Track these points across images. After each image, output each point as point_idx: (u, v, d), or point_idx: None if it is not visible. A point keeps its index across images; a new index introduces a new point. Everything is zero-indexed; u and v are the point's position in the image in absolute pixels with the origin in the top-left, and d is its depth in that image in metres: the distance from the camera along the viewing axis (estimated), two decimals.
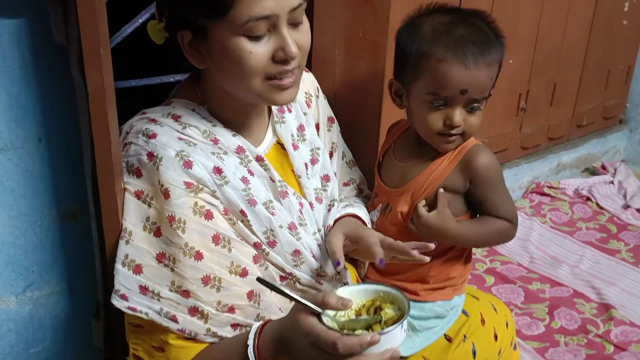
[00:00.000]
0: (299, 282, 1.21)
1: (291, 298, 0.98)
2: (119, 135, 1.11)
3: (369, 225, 1.31)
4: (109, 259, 1.11)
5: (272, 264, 1.16)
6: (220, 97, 1.13)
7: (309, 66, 1.40)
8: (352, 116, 1.47)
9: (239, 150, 1.14)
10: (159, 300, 1.07)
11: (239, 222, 1.11)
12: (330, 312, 0.98)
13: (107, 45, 1.03)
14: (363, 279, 1.42)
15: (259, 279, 1.02)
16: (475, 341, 1.36)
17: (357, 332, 0.97)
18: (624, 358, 1.86)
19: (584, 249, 2.41)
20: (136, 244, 1.07)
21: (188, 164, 1.05)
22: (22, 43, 1.12)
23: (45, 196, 1.24)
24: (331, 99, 1.43)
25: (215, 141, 1.12)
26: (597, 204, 2.74)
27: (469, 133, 1.24)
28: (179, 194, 1.05)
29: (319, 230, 1.26)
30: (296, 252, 1.17)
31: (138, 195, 1.07)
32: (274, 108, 1.25)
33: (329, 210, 1.30)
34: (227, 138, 1.13)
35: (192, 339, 1.09)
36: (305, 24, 1.08)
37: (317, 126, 1.35)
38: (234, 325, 1.11)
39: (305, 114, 1.30)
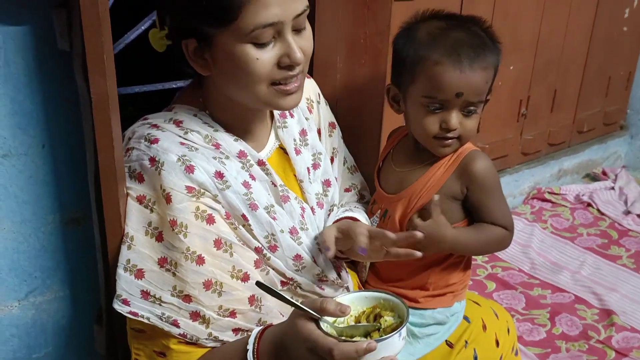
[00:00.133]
0: (300, 287, 1.21)
1: (290, 303, 0.99)
2: (122, 141, 1.12)
3: None
4: (112, 264, 1.11)
5: (273, 268, 1.17)
6: (223, 102, 1.14)
7: (310, 72, 1.41)
8: (353, 121, 1.47)
9: (241, 155, 1.14)
10: (160, 305, 1.07)
11: (241, 226, 1.12)
12: (330, 319, 0.99)
13: (111, 51, 1.04)
14: (364, 284, 1.42)
15: (258, 283, 1.02)
16: (477, 347, 1.36)
17: (355, 338, 0.97)
18: None
19: (585, 255, 2.42)
20: (138, 249, 1.07)
21: (190, 169, 1.06)
22: (26, 50, 1.12)
23: (48, 202, 1.25)
24: (332, 104, 1.44)
25: (217, 146, 1.12)
26: (598, 210, 2.75)
27: (465, 137, 1.24)
28: (180, 199, 1.05)
29: None
30: (297, 257, 1.18)
31: (140, 200, 1.08)
32: (276, 113, 1.26)
33: (329, 215, 1.31)
34: (229, 143, 1.14)
35: (194, 343, 1.10)
36: (308, 29, 1.10)
37: (319, 131, 1.36)
38: (236, 330, 1.11)
39: (307, 119, 1.31)
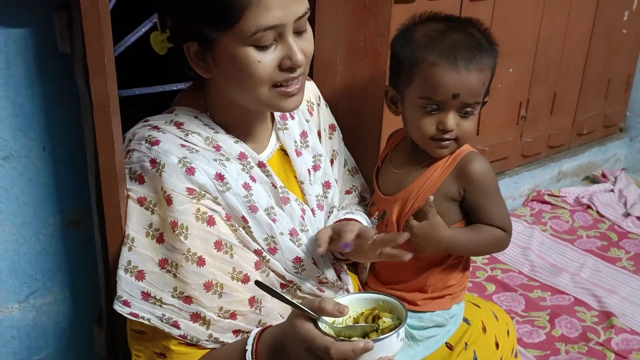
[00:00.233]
0: (300, 290, 1.21)
1: (289, 303, 0.99)
2: (122, 143, 1.12)
3: None
4: (112, 266, 1.12)
5: (273, 271, 1.17)
6: (224, 104, 1.15)
7: (310, 74, 1.41)
8: (353, 123, 1.48)
9: (241, 157, 1.15)
10: (161, 306, 1.07)
11: (240, 228, 1.12)
12: (329, 320, 0.99)
13: (112, 54, 1.05)
14: (364, 286, 1.42)
15: (257, 282, 1.03)
16: (477, 349, 1.36)
17: (353, 339, 0.97)
18: None
19: (584, 257, 2.42)
20: (139, 250, 1.08)
21: (190, 171, 1.06)
22: (27, 52, 1.13)
23: (49, 204, 1.25)
24: (332, 106, 1.45)
25: (218, 148, 1.13)
26: (598, 212, 2.75)
27: (462, 138, 1.25)
28: (181, 200, 1.05)
29: None
30: (297, 259, 1.18)
31: (141, 202, 1.08)
32: (277, 115, 1.26)
33: (328, 217, 1.31)
34: (229, 144, 1.14)
35: (194, 344, 1.10)
36: (309, 31, 1.10)
37: (319, 133, 1.36)
38: (236, 332, 1.12)
39: (308, 121, 1.32)
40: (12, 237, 1.23)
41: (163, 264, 1.07)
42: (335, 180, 1.37)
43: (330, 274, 1.26)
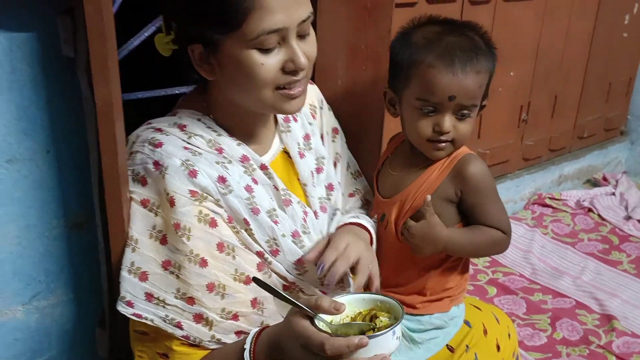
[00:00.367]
0: (302, 291, 1.22)
1: (286, 300, 1.00)
2: (125, 146, 1.13)
3: (374, 236, 1.32)
4: (115, 267, 1.12)
5: (275, 272, 1.18)
6: (227, 106, 1.16)
7: (312, 77, 1.42)
8: (354, 126, 1.49)
9: (244, 159, 1.15)
10: (164, 307, 1.08)
11: (243, 230, 1.13)
12: (327, 318, 0.99)
13: (115, 58, 1.05)
14: (364, 290, 1.43)
15: (254, 279, 1.03)
16: (478, 352, 1.36)
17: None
18: None
19: (585, 260, 2.42)
20: (142, 251, 1.08)
21: (193, 173, 1.07)
22: (32, 56, 1.14)
23: (52, 207, 1.26)
24: (334, 109, 1.45)
25: (220, 150, 1.14)
26: (599, 215, 2.76)
27: (459, 141, 1.25)
28: (184, 202, 1.06)
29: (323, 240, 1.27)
30: (299, 261, 1.19)
31: (144, 203, 1.09)
32: (280, 118, 1.27)
33: (332, 219, 1.31)
34: (232, 147, 1.15)
35: (197, 345, 1.11)
36: (312, 35, 1.11)
37: (322, 136, 1.37)
38: (238, 333, 1.12)
39: (311, 124, 1.33)
40: (16, 239, 1.24)
41: (166, 265, 1.08)
42: (338, 183, 1.37)
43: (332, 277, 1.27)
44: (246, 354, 1.05)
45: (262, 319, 1.14)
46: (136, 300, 1.08)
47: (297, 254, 1.18)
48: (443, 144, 1.24)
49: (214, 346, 1.12)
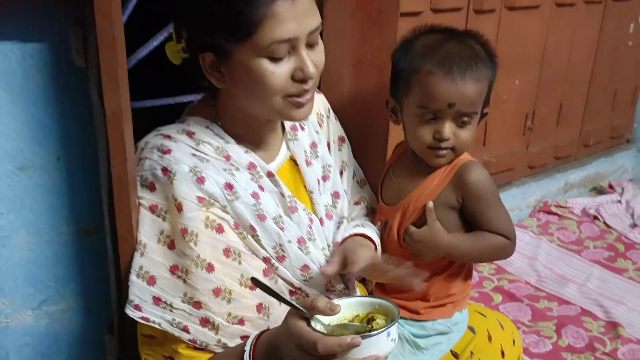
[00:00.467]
0: (308, 297, 1.23)
1: (284, 301, 1.01)
2: (134, 153, 1.15)
3: (378, 245, 1.33)
4: (124, 273, 1.14)
5: (282, 278, 1.19)
6: (236, 114, 1.17)
7: (318, 86, 1.44)
8: (359, 134, 1.50)
9: (250, 166, 1.17)
10: (171, 311, 1.10)
11: (249, 236, 1.15)
12: (325, 320, 1.00)
13: (124, 68, 1.08)
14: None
15: (252, 279, 1.04)
16: (482, 358, 1.37)
17: None
18: None
19: (591, 268, 2.42)
20: (150, 256, 1.10)
21: (201, 180, 1.09)
22: (44, 66, 1.16)
23: (62, 213, 1.28)
24: (340, 118, 1.47)
25: (228, 157, 1.15)
26: (605, 223, 2.76)
27: (460, 148, 1.27)
28: (191, 208, 1.08)
29: (329, 246, 1.28)
30: (305, 267, 1.20)
31: (152, 209, 1.11)
32: (287, 126, 1.29)
33: (338, 227, 1.33)
34: (239, 154, 1.17)
35: (202, 349, 1.12)
36: (320, 44, 1.13)
37: (328, 145, 1.39)
38: (244, 338, 1.13)
39: (318, 133, 1.35)
40: (26, 245, 1.26)
41: (174, 269, 1.10)
42: (345, 191, 1.39)
43: (338, 283, 1.28)
44: (246, 356, 1.06)
45: (268, 323, 1.15)
46: (144, 304, 1.10)
47: (302, 259, 1.20)
48: (443, 151, 1.26)
49: (220, 350, 1.13)
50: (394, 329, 0.97)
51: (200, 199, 1.09)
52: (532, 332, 2.05)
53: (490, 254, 1.31)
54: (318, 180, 1.30)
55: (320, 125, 1.38)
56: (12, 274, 1.26)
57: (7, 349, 1.32)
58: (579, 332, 2.04)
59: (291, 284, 1.21)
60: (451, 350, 1.36)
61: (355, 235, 1.30)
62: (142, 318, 1.10)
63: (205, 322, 1.10)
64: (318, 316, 0.98)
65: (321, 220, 1.28)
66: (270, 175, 1.19)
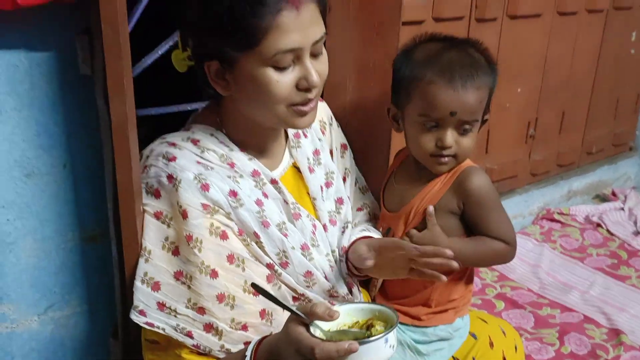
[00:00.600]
0: (308, 303, 1.24)
1: (283, 307, 1.02)
2: (139, 161, 1.16)
3: None
4: (128, 278, 1.15)
5: (285, 284, 1.20)
6: (240, 121, 1.19)
7: (322, 94, 1.45)
8: (362, 142, 1.51)
9: (254, 174, 1.19)
10: (175, 316, 1.11)
11: (253, 243, 1.16)
12: (324, 326, 1.00)
13: (130, 76, 1.09)
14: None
15: (253, 285, 1.05)
16: None
17: None
18: None
19: (594, 275, 2.42)
20: (155, 262, 1.12)
21: (205, 187, 1.10)
22: (51, 74, 1.18)
23: (68, 220, 1.29)
24: (342, 125, 1.48)
25: (232, 165, 1.17)
26: (608, 231, 2.76)
27: (461, 155, 1.28)
28: (196, 215, 1.10)
29: (332, 252, 1.30)
30: (308, 273, 1.21)
31: (157, 216, 1.12)
32: (291, 133, 1.30)
33: (343, 232, 1.34)
34: (243, 162, 1.18)
35: (206, 354, 1.13)
36: (324, 54, 1.15)
37: (331, 152, 1.40)
38: (247, 343, 1.13)
39: (320, 140, 1.36)
40: (33, 251, 1.27)
41: (178, 275, 1.11)
42: (348, 197, 1.40)
43: (342, 288, 1.29)
44: None
45: (271, 329, 1.16)
46: (149, 309, 1.11)
47: (306, 266, 1.21)
48: (446, 159, 1.27)
49: (223, 356, 1.14)
50: (392, 335, 0.98)
51: (204, 206, 1.10)
52: (534, 339, 2.05)
53: (490, 259, 1.32)
54: (321, 187, 1.31)
55: (323, 133, 1.39)
56: (19, 280, 1.28)
57: (13, 354, 1.33)
58: (582, 339, 2.04)
59: (294, 290, 1.22)
60: (453, 356, 1.37)
61: (363, 238, 1.31)
62: (147, 323, 1.11)
63: (208, 327, 1.12)
64: (317, 322, 0.99)
65: (324, 227, 1.29)
66: (273, 182, 1.21)
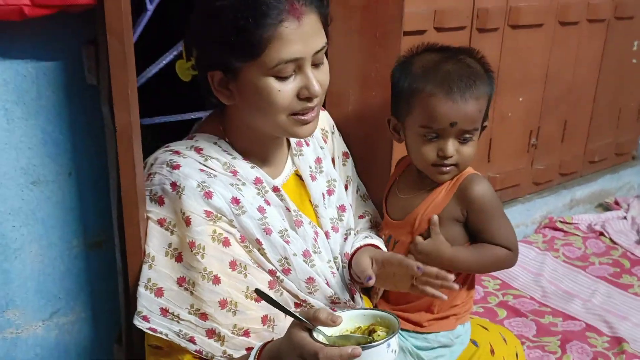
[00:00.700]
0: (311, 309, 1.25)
1: (287, 312, 1.03)
2: (143, 169, 1.18)
3: None
4: (132, 284, 1.17)
5: (287, 290, 1.22)
6: (243, 130, 1.21)
7: (324, 103, 1.47)
8: (364, 151, 1.52)
9: (257, 182, 1.20)
10: (178, 322, 1.12)
11: (255, 249, 1.17)
12: (327, 332, 1.02)
13: (134, 85, 1.11)
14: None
15: (256, 290, 1.07)
16: None
17: None
18: None
19: (597, 284, 2.42)
20: (158, 268, 1.13)
21: (208, 195, 1.12)
22: (57, 84, 1.20)
23: (73, 226, 1.31)
24: (345, 134, 1.50)
25: (235, 173, 1.19)
26: (611, 239, 2.76)
27: (463, 163, 1.29)
28: (199, 222, 1.11)
29: (335, 259, 1.31)
30: (310, 280, 1.22)
31: (161, 222, 1.14)
32: (293, 142, 1.32)
33: (345, 239, 1.35)
34: (246, 170, 1.20)
35: None
36: (326, 64, 1.17)
37: (333, 160, 1.42)
38: (249, 349, 1.15)
39: (322, 148, 1.38)
40: (38, 257, 1.29)
41: (181, 281, 1.12)
42: (350, 204, 1.42)
43: (343, 294, 1.30)
44: None
45: (273, 335, 1.17)
46: (152, 315, 1.12)
47: (307, 272, 1.22)
48: (447, 168, 1.28)
49: None
50: (394, 340, 0.99)
51: (207, 213, 1.12)
52: (536, 347, 2.05)
53: (493, 265, 1.34)
54: (323, 195, 1.32)
55: (325, 141, 1.41)
56: (24, 286, 1.30)
57: (18, 359, 1.34)
58: (584, 348, 2.04)
59: (296, 296, 1.23)
60: None
61: (367, 245, 1.32)
62: (150, 329, 1.12)
63: (211, 333, 1.13)
64: (320, 327, 1.00)
65: (327, 234, 1.30)
66: (276, 190, 1.22)
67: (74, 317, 1.38)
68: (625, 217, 2.91)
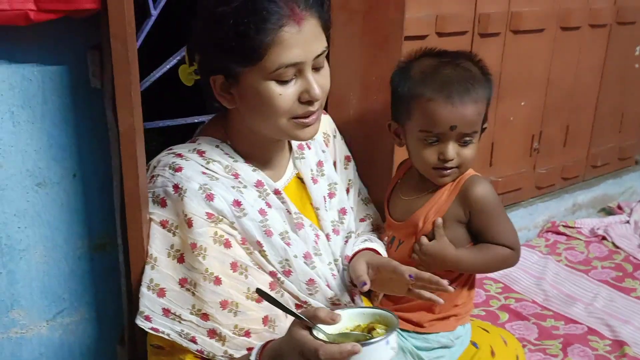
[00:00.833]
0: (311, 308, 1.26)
1: (287, 311, 1.04)
2: (146, 171, 1.20)
3: (385, 256, 1.37)
4: (135, 285, 1.18)
5: (288, 292, 1.23)
6: (245, 133, 1.22)
7: (326, 107, 1.48)
8: (366, 154, 1.53)
9: (258, 184, 1.22)
10: (180, 322, 1.14)
11: (256, 251, 1.19)
12: (327, 330, 1.03)
13: (138, 89, 1.13)
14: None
15: (258, 290, 1.08)
16: None
17: None
18: None
19: (599, 288, 2.42)
20: (161, 269, 1.15)
21: (210, 197, 1.14)
22: (62, 88, 1.22)
23: (77, 228, 1.33)
24: (346, 138, 1.51)
25: (236, 176, 1.20)
26: (613, 243, 2.76)
27: (464, 166, 1.31)
28: (201, 224, 1.13)
29: (335, 261, 1.32)
30: (310, 281, 1.24)
31: (163, 224, 1.16)
32: (294, 145, 1.34)
33: (346, 242, 1.37)
34: (247, 173, 1.22)
35: (209, 359, 1.16)
36: (326, 67, 1.18)
37: (335, 164, 1.43)
38: (250, 349, 1.15)
39: (324, 152, 1.39)
40: (43, 259, 1.31)
41: (183, 282, 1.14)
42: (351, 207, 1.43)
43: (344, 296, 1.31)
44: None
45: (274, 336, 1.18)
46: (154, 315, 1.14)
47: (308, 274, 1.23)
48: (448, 171, 1.30)
49: None
50: (393, 338, 1.00)
51: (209, 215, 1.14)
52: (538, 350, 2.06)
53: (496, 265, 1.35)
54: (324, 197, 1.34)
55: (327, 145, 1.42)
56: (29, 287, 1.31)
57: (23, 359, 1.36)
58: (585, 351, 2.05)
59: (297, 298, 1.24)
60: None
61: (365, 249, 1.33)
62: (152, 329, 1.14)
63: (212, 333, 1.14)
64: (320, 325, 1.02)
65: (327, 236, 1.32)
66: (277, 192, 1.24)
67: (78, 317, 1.40)
68: (628, 222, 2.91)
